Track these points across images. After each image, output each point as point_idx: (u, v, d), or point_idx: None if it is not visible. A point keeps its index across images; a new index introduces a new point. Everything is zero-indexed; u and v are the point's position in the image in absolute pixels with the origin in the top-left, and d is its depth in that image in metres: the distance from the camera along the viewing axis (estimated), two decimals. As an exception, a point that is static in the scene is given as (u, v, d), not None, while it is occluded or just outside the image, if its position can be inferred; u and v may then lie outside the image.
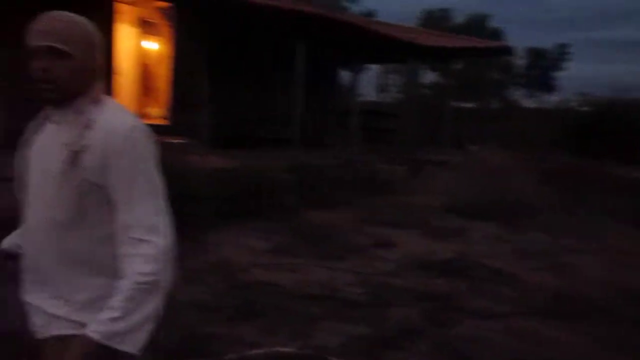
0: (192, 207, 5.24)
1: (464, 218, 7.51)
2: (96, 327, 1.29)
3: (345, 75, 16.51)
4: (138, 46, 10.72)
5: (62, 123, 1.42)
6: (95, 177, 1.35)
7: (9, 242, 1.62)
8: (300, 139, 8.94)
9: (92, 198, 1.37)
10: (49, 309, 1.42)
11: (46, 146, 1.42)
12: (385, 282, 4.77)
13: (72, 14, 1.43)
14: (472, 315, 4.08)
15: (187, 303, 3.72)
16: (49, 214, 1.38)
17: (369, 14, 30.29)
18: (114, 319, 1.29)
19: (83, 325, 1.35)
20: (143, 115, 10.21)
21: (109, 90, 8.84)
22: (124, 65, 9.56)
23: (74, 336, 1.35)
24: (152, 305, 1.33)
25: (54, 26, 1.37)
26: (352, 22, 9.59)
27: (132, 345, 1.31)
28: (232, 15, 8.65)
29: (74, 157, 1.35)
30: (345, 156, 9.82)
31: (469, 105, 25.90)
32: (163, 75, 10.37)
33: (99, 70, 1.45)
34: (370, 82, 29.39)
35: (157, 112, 10.35)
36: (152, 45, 11.10)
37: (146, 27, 10.76)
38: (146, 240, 1.33)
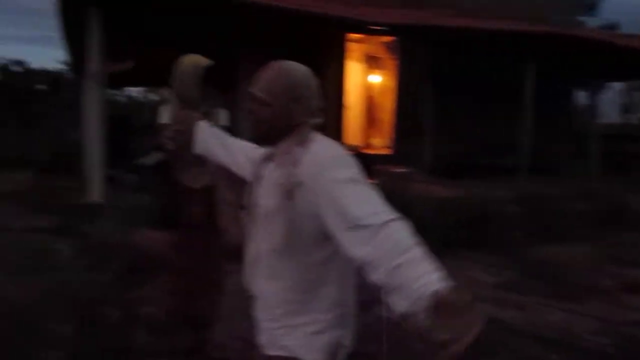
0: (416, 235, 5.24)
1: None
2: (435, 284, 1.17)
3: (581, 96, 15.05)
4: (364, 80, 11.35)
5: (274, 163, 1.58)
6: (310, 209, 1.44)
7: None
8: (529, 167, 8.34)
9: (307, 228, 1.47)
10: (268, 330, 1.57)
11: (265, 183, 1.60)
12: (636, 333, 4.10)
13: (289, 66, 1.60)
14: None
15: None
16: (268, 245, 1.55)
17: (611, 27, 27.18)
18: (439, 279, 1.19)
19: (291, 349, 1.50)
20: (368, 146, 10.71)
21: (339, 123, 9.53)
22: (352, 99, 10.18)
23: (286, 358, 1.49)
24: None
25: (263, 76, 1.59)
26: (589, 37, 8.71)
27: None
28: (456, 43, 8.59)
29: (287, 195, 1.47)
30: (583, 185, 8.85)
31: None
32: (387, 107, 10.77)
33: (304, 115, 1.58)
34: (611, 102, 26.20)
35: (381, 142, 10.74)
36: (376, 78, 11.64)
37: (371, 62, 11.36)
38: (389, 220, 1.30)
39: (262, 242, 1.58)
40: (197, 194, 2.99)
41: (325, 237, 1.44)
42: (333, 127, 7.24)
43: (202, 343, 3.08)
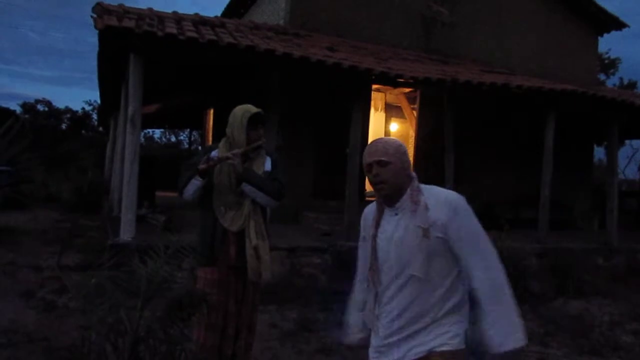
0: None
1: None
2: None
3: (600, 152, 15.17)
4: (385, 128, 11.63)
5: (403, 211, 1.98)
6: (444, 242, 1.92)
7: None
8: (549, 220, 8.39)
9: (440, 257, 1.93)
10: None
11: (395, 228, 1.97)
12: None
13: (386, 138, 2.06)
14: None
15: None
16: (408, 272, 1.93)
17: (630, 86, 27.35)
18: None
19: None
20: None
21: (361, 169, 9.66)
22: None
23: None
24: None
25: (376, 147, 2.00)
26: (606, 96, 8.90)
27: None
28: (477, 97, 8.83)
29: (425, 232, 1.90)
30: (601, 241, 8.87)
31: None
32: (406, 155, 10.96)
33: (410, 168, 2.02)
34: (631, 160, 26.05)
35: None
36: (395, 126, 11.97)
37: (391, 110, 11.67)
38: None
39: (401, 272, 1.94)
40: (233, 236, 3.13)
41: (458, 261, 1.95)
42: (355, 174, 7.40)
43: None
